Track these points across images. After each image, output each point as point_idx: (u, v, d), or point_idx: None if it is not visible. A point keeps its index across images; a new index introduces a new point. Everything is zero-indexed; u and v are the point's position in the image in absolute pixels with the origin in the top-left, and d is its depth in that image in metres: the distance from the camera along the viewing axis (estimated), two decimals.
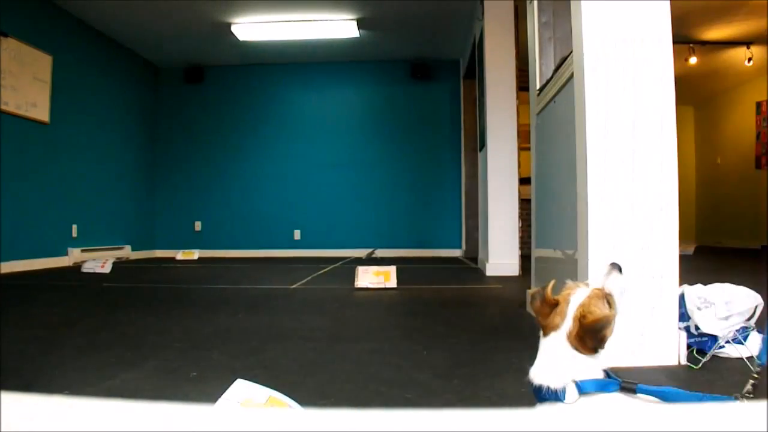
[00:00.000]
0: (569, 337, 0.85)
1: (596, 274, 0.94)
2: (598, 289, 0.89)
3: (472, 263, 6.03)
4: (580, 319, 0.85)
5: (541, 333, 0.89)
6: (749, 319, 1.74)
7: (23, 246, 5.06)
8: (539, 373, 0.87)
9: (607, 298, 0.88)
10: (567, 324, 0.86)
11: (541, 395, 0.85)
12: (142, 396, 1.36)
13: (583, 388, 0.83)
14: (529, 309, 0.91)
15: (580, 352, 0.85)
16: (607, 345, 0.85)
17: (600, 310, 0.86)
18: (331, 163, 7.62)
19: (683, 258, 1.81)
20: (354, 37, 6.61)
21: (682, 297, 1.79)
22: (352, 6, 5.81)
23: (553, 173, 2.56)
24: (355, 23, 6.19)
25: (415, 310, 2.81)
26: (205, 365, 1.66)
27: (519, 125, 4.75)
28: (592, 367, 0.86)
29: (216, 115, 7.76)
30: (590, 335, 0.84)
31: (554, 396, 0.83)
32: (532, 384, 0.87)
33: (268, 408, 0.77)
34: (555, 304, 0.88)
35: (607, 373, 0.90)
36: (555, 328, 0.86)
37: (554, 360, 0.86)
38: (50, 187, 5.50)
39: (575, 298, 0.88)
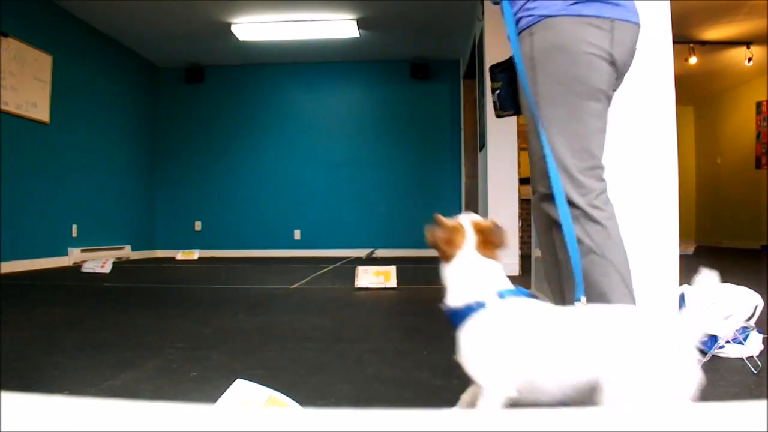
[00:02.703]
0: (478, 246, 0.99)
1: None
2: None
3: None
4: (479, 228, 1.01)
5: (443, 262, 1.01)
6: (749, 319, 1.74)
7: (23, 246, 5.06)
8: (460, 294, 0.97)
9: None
10: (470, 238, 1.00)
11: (461, 315, 0.95)
12: (142, 396, 1.36)
13: (502, 296, 0.95)
14: (430, 243, 1.00)
15: (488, 257, 0.99)
16: (504, 247, 1.01)
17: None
18: (331, 162, 7.62)
19: (683, 258, 1.81)
20: (354, 37, 6.61)
21: (682, 297, 1.79)
22: (352, 6, 5.81)
23: None
24: (355, 23, 6.19)
25: (415, 310, 2.81)
26: (206, 365, 1.66)
27: (519, 125, 4.76)
28: (501, 272, 0.99)
29: (216, 115, 7.76)
30: (494, 236, 1.00)
31: (478, 308, 0.93)
32: (452, 309, 0.96)
33: (268, 408, 0.77)
34: (452, 228, 1.01)
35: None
36: (459, 246, 0.99)
37: (471, 274, 0.97)
38: (50, 187, 5.50)
39: (464, 219, 1.03)
